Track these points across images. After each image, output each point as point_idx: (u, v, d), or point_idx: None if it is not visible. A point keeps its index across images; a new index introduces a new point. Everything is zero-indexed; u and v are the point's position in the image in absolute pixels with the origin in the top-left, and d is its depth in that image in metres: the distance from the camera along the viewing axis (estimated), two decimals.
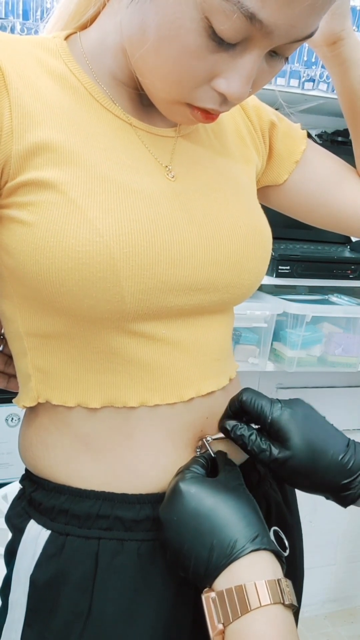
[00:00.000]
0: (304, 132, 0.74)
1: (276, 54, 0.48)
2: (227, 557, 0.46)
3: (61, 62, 0.53)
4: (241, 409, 0.56)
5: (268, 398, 0.56)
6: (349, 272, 1.43)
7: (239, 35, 0.44)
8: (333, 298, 1.56)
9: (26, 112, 0.49)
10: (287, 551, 0.54)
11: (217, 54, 0.46)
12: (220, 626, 0.44)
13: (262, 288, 1.53)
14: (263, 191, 0.74)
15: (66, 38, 0.56)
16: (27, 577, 0.53)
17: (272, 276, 1.37)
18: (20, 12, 1.12)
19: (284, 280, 1.39)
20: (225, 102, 0.50)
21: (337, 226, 0.76)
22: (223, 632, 0.45)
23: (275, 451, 0.53)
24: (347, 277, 1.44)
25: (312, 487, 0.55)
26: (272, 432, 0.54)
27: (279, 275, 1.36)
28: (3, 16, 1.11)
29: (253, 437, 0.54)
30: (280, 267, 1.36)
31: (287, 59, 0.50)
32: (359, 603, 2.03)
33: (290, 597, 0.45)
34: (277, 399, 0.57)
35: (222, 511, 0.48)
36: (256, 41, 0.45)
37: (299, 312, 1.38)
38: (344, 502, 0.55)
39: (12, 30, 1.12)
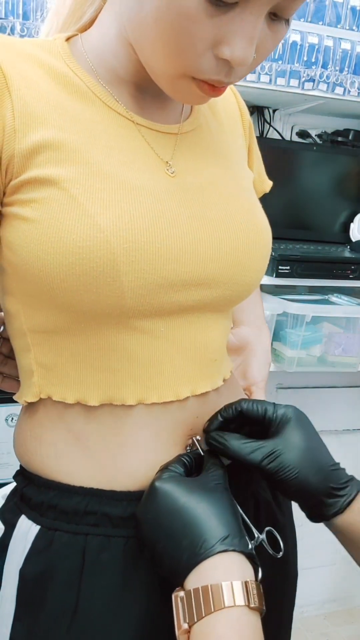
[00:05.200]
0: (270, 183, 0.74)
1: (277, 17, 0.48)
2: (197, 556, 0.45)
3: (62, 63, 0.54)
4: (240, 416, 0.57)
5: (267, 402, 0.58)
6: (349, 272, 1.43)
7: None
8: (333, 298, 1.56)
9: (28, 111, 0.50)
10: (282, 552, 0.54)
11: (216, 18, 0.45)
12: (186, 625, 0.44)
13: (262, 288, 1.53)
14: None
15: (67, 40, 0.57)
16: (17, 572, 0.54)
17: (272, 276, 1.36)
18: (20, 12, 1.12)
19: (284, 280, 1.38)
20: (230, 73, 0.49)
21: None
22: (189, 631, 0.44)
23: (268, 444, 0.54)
24: (347, 277, 1.43)
25: (300, 486, 0.54)
26: (275, 426, 0.56)
27: (279, 275, 1.36)
28: (3, 16, 1.11)
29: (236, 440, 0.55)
30: (280, 267, 1.36)
31: (288, 22, 0.49)
32: (359, 603, 2.03)
33: (257, 600, 0.44)
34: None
35: (194, 510, 0.48)
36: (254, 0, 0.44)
37: (299, 312, 1.38)
38: (322, 512, 0.54)
39: (12, 31, 1.12)
